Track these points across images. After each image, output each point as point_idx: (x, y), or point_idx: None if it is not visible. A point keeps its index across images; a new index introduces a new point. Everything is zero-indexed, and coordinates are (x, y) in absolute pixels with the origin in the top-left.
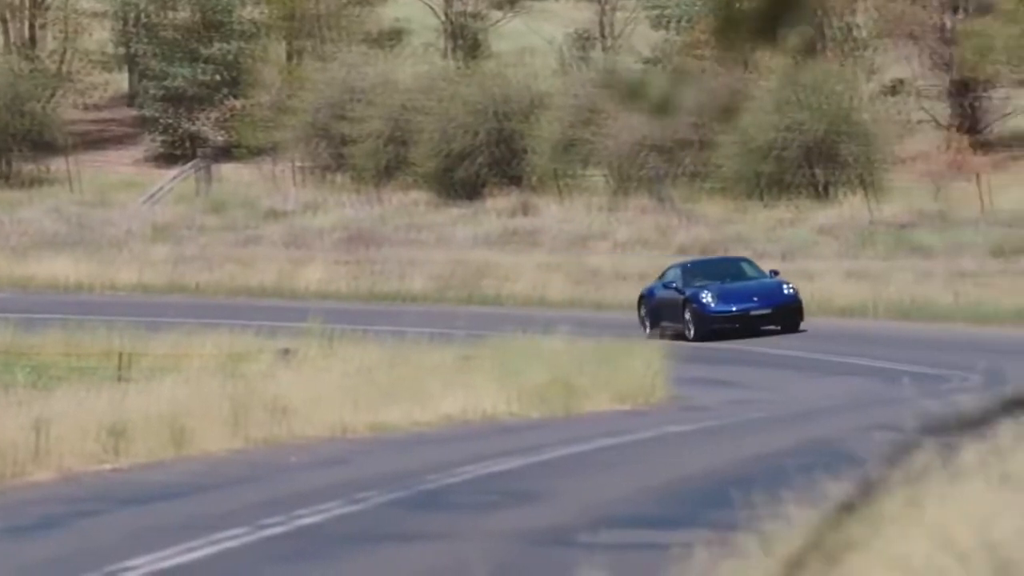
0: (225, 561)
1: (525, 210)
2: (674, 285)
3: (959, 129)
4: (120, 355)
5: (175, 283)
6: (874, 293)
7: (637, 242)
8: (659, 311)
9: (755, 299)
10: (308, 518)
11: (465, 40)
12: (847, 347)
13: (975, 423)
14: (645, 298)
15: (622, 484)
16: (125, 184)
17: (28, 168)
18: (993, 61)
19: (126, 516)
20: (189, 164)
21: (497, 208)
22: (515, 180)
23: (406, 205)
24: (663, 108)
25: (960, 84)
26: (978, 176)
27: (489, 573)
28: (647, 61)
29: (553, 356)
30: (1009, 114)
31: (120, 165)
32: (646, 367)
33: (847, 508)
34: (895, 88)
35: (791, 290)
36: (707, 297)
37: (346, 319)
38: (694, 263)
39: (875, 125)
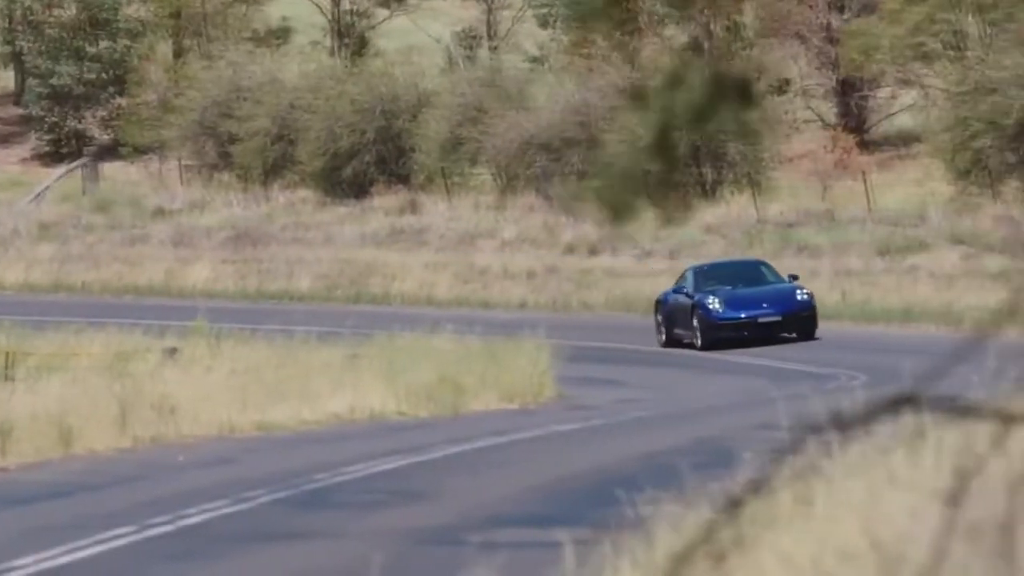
0: (111, 560)
1: (412, 209)
2: (685, 290)
3: (845, 128)
4: (7, 354)
5: (61, 282)
6: None
7: (524, 240)
8: (672, 317)
9: (765, 305)
10: (194, 517)
11: (351, 38)
12: (735, 346)
13: (861, 421)
14: (660, 304)
15: (509, 483)
16: (10, 183)
17: None
18: (878, 61)
19: (12, 516)
20: (75, 163)
21: (384, 207)
22: (402, 179)
23: (293, 204)
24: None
25: (846, 84)
26: (864, 175)
27: (375, 572)
28: (534, 60)
29: (440, 355)
30: (894, 113)
31: (5, 164)
32: (533, 366)
33: (734, 506)
34: (781, 87)
35: (805, 296)
36: (714, 303)
37: (233, 318)
38: (710, 266)
39: (762, 124)
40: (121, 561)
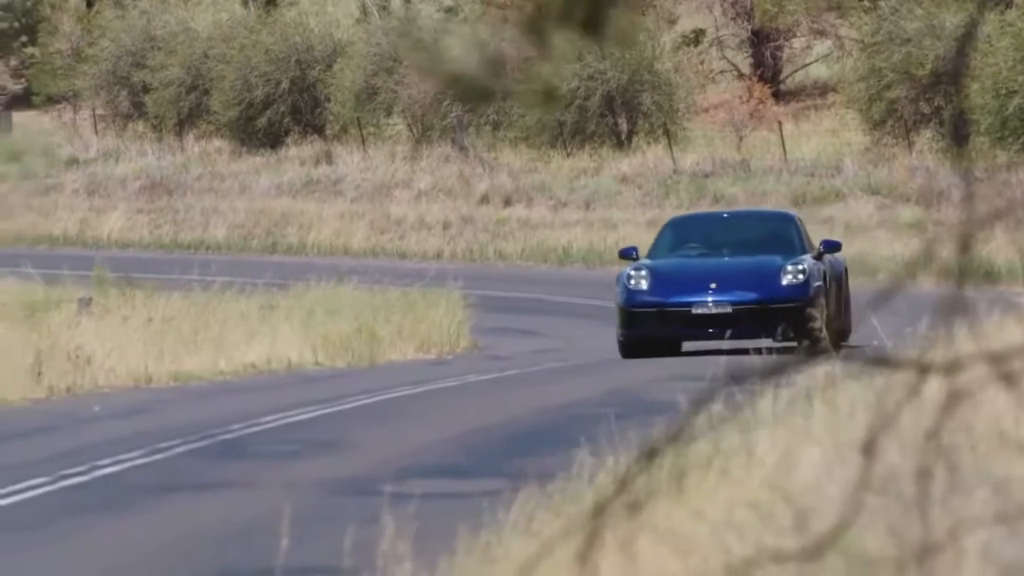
0: (24, 510)
1: (327, 159)
2: (633, 254)
3: (759, 79)
4: None
5: None
6: None
7: (439, 191)
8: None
9: (714, 286)
10: (109, 468)
11: None
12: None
13: (775, 372)
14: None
15: (425, 434)
16: None
17: None
18: (792, 11)
19: None
20: None
21: (299, 157)
22: (317, 129)
23: (208, 153)
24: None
25: (760, 34)
26: (779, 125)
27: (288, 522)
28: (448, 10)
29: (357, 305)
30: (809, 64)
31: None
32: (450, 317)
33: (650, 457)
34: (696, 38)
35: (796, 279)
36: (636, 277)
37: (148, 268)
38: (692, 219)
39: (676, 75)
40: (34, 511)
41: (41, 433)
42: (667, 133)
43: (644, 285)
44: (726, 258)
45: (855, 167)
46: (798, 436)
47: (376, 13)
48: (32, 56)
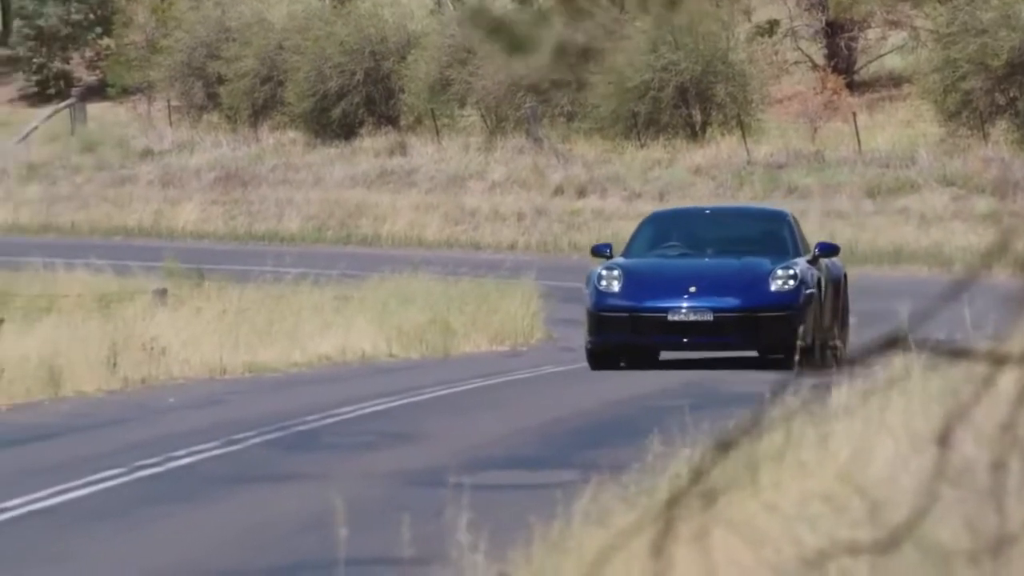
0: (100, 501)
1: (401, 150)
2: (607, 252)
3: (834, 70)
4: None
5: (49, 223)
6: None
7: (513, 182)
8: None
9: (693, 290)
10: (183, 459)
11: None
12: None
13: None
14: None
15: (498, 425)
16: None
17: None
18: (866, 2)
19: (1, 457)
20: (62, 103)
21: (373, 148)
22: (391, 120)
23: (282, 144)
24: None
25: (834, 25)
26: (853, 116)
27: (360, 513)
28: (522, 0)
29: (431, 296)
30: (883, 55)
31: None
32: (524, 308)
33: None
34: (770, 29)
35: (787, 285)
36: (607, 278)
37: (222, 259)
38: (675, 214)
39: (750, 65)
40: (110, 502)
41: (116, 424)
42: (741, 124)
43: (615, 287)
44: (709, 259)
45: (930, 158)
46: (872, 427)
47: (450, 4)
48: (107, 48)
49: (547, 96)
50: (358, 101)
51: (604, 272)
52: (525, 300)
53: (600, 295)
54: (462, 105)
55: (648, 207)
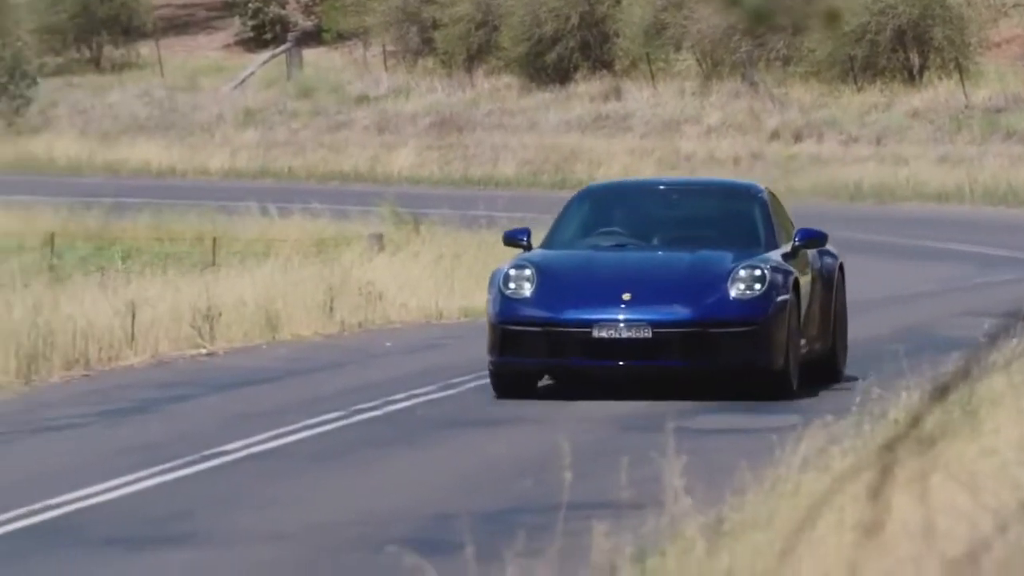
0: (318, 445)
1: (616, 95)
2: (523, 240)
3: None
4: (212, 240)
5: (266, 168)
6: (968, 178)
7: (729, 126)
8: None
9: (627, 298)
10: (401, 403)
11: None
12: (940, 232)
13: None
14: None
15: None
16: (213, 68)
17: (116, 53)
18: None
19: (219, 401)
20: (278, 48)
21: (588, 93)
22: (606, 64)
23: (497, 89)
24: (760, 18)
25: None
26: None
27: (575, 457)
28: None
29: None
30: None
31: (208, 49)
32: None
33: (942, 393)
34: None
35: (751, 290)
36: (517, 279)
37: (438, 204)
38: (615, 189)
39: (968, 8)
40: (328, 445)
41: (334, 368)
42: (959, 68)
43: (526, 291)
44: (653, 253)
45: None
46: None
47: None
48: None
49: (763, 39)
50: (573, 45)
51: (513, 271)
52: None
53: (506, 302)
54: (677, 49)
55: (864, 152)
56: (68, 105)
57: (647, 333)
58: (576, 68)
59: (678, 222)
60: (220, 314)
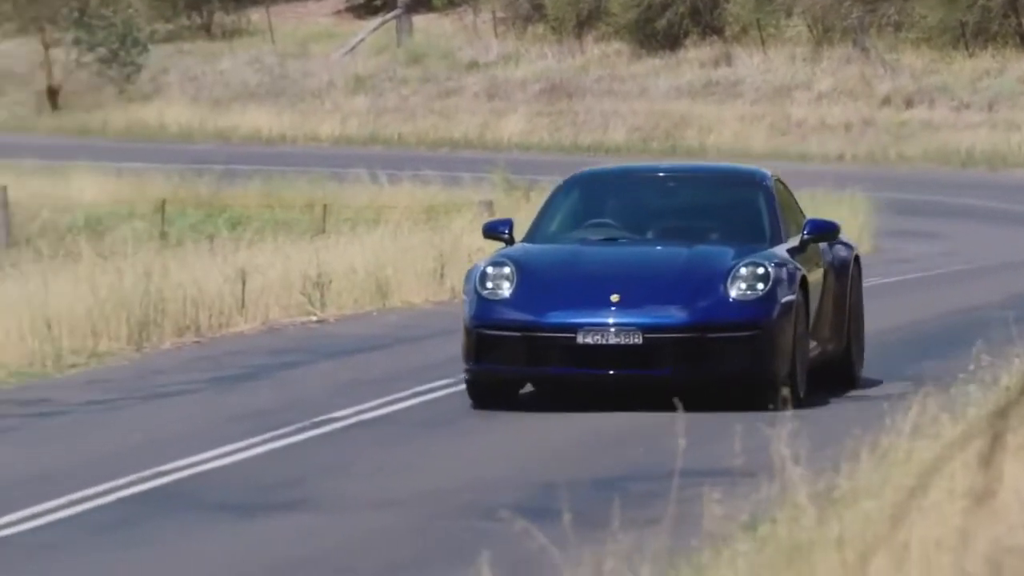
0: (427, 412)
1: (726, 60)
2: (504, 232)
3: None
4: (323, 207)
5: (376, 135)
6: None
7: (840, 92)
8: None
9: (617, 300)
10: None
11: None
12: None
13: None
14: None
15: None
16: (324, 35)
17: (227, 19)
18: None
19: (329, 367)
20: (389, 15)
21: (698, 58)
22: (716, 30)
23: (606, 56)
24: None
25: None
26: None
27: (688, 424)
28: None
29: None
30: None
31: (319, 16)
32: (852, 219)
33: None
34: None
35: (753, 291)
36: (495, 278)
37: (548, 170)
38: (606, 176)
39: None
40: (438, 412)
41: (444, 335)
42: None
43: (505, 291)
44: (647, 247)
45: None
46: None
47: None
48: None
49: (874, 5)
50: (683, 11)
51: (491, 269)
52: (853, 211)
53: (483, 304)
54: (788, 15)
55: (976, 118)
56: (179, 72)
57: (637, 339)
58: (686, 34)
59: (676, 212)
60: (330, 281)
